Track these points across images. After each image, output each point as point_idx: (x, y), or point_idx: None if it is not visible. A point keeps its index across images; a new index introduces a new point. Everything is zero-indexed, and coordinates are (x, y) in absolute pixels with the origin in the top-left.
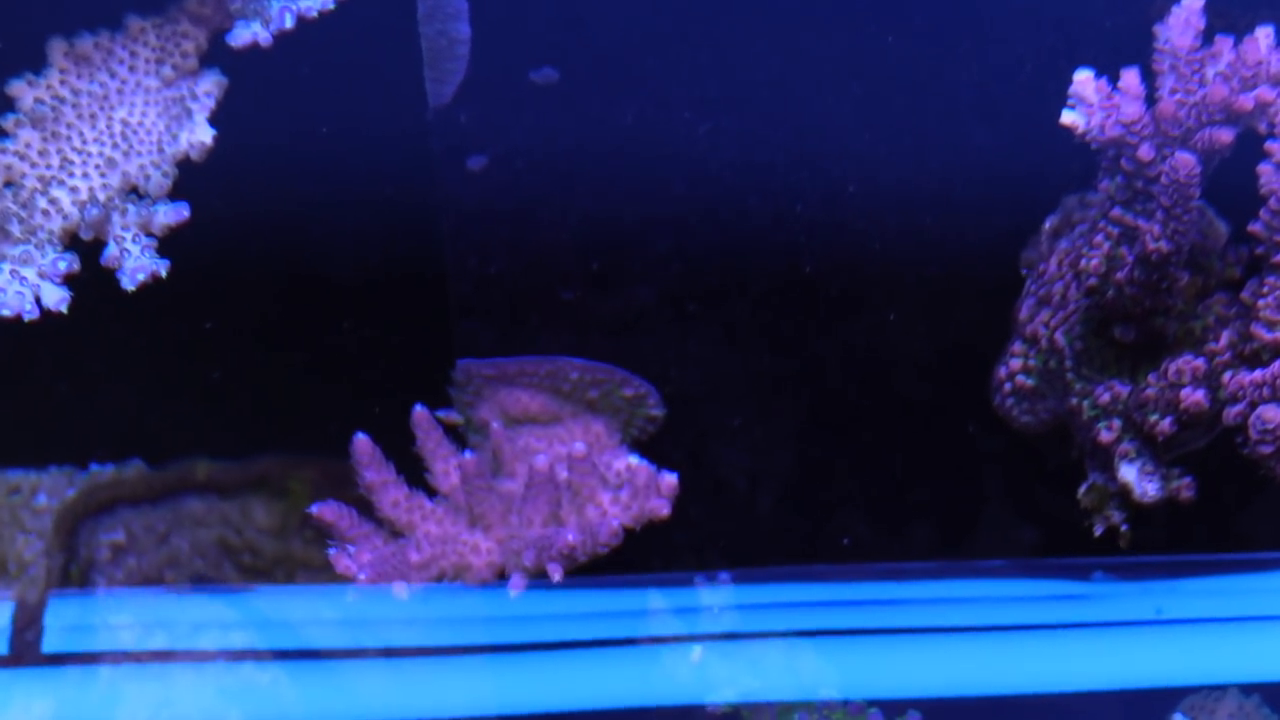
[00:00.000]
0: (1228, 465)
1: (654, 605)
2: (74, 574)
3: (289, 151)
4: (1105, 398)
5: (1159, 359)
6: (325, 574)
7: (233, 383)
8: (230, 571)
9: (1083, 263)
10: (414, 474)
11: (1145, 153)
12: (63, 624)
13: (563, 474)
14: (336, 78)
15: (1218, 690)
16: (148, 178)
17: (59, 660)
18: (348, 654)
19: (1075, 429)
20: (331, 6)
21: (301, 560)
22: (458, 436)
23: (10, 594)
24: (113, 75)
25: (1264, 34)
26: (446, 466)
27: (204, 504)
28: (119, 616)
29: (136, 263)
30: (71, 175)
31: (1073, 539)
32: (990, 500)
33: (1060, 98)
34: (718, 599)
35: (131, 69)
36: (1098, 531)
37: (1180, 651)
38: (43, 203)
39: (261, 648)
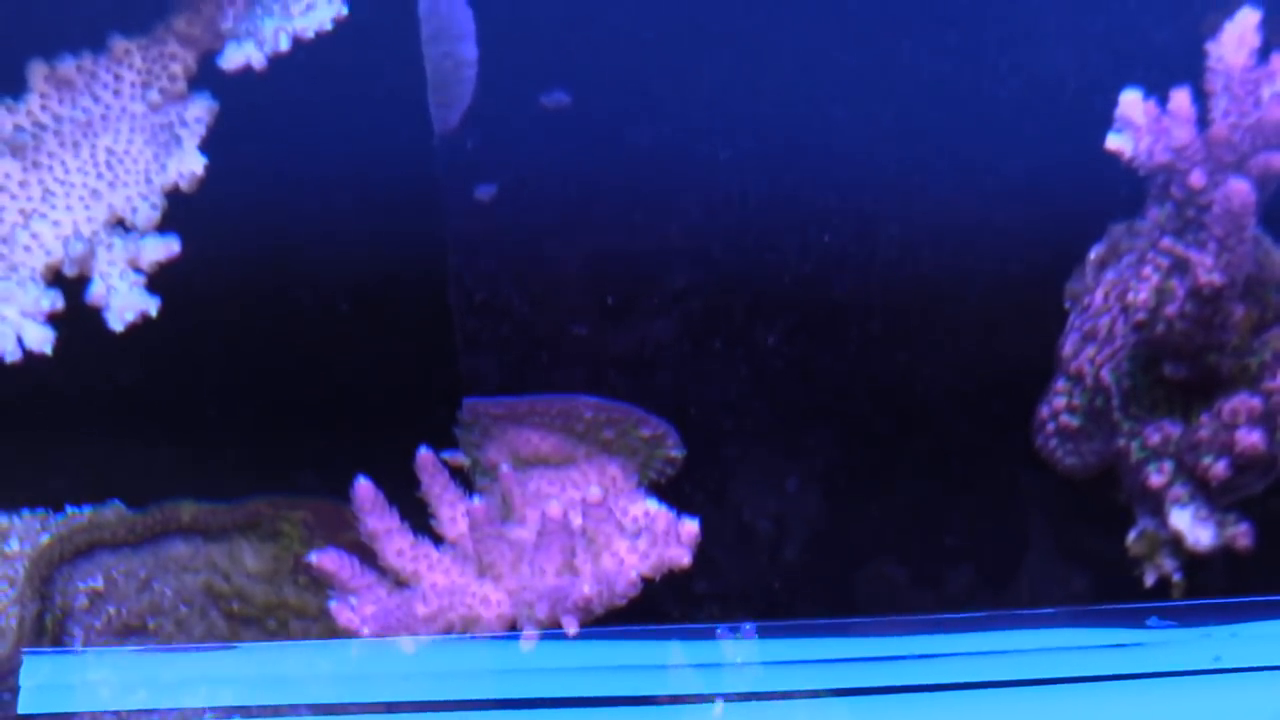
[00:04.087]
0: None
1: (673, 659)
2: (49, 624)
3: (284, 181)
4: (1155, 439)
5: (1212, 398)
6: (320, 622)
7: (221, 419)
8: (217, 620)
9: (1130, 295)
10: (419, 520)
11: (1196, 179)
12: (37, 680)
13: (577, 520)
14: (335, 103)
15: None
16: (135, 209)
17: None
18: (346, 710)
19: (1123, 472)
20: (329, 27)
21: (295, 608)
22: (465, 480)
23: None
24: (96, 100)
25: None
26: (453, 512)
27: (189, 547)
28: (98, 672)
29: (125, 300)
30: (54, 207)
31: (1121, 590)
32: (1032, 549)
33: (1106, 119)
34: (742, 652)
35: (116, 93)
36: (1149, 581)
37: (1240, 702)
38: (24, 237)
39: (253, 704)
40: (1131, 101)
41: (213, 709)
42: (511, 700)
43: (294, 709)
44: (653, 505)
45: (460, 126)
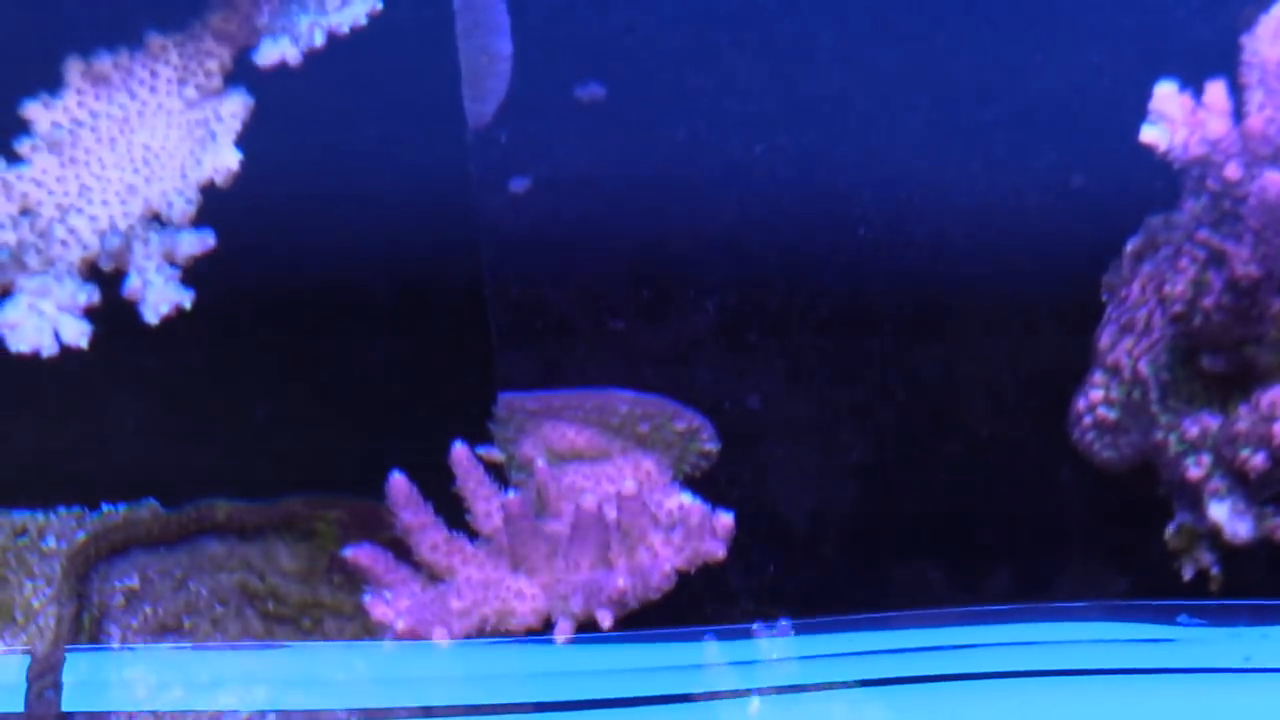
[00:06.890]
0: None
1: (709, 656)
2: (86, 622)
3: (318, 176)
4: (1193, 431)
5: (1250, 390)
6: (355, 622)
7: (256, 417)
8: (253, 619)
9: (1167, 288)
10: (454, 515)
11: (1232, 172)
12: (74, 679)
13: (612, 514)
14: (370, 97)
15: None
16: (170, 204)
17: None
18: (382, 713)
19: (1161, 465)
20: (364, 22)
21: (330, 607)
22: (500, 474)
23: (20, 645)
24: (133, 96)
25: None
26: (488, 507)
27: (224, 546)
28: (133, 670)
29: (160, 294)
30: (90, 202)
31: (1159, 584)
32: (1070, 543)
33: (1141, 112)
34: (778, 649)
35: (152, 90)
36: (1187, 575)
37: (1270, 702)
38: (61, 231)
39: (287, 705)
40: (1167, 94)
41: (248, 710)
42: (548, 703)
43: (330, 711)
44: (687, 499)
45: (494, 120)
